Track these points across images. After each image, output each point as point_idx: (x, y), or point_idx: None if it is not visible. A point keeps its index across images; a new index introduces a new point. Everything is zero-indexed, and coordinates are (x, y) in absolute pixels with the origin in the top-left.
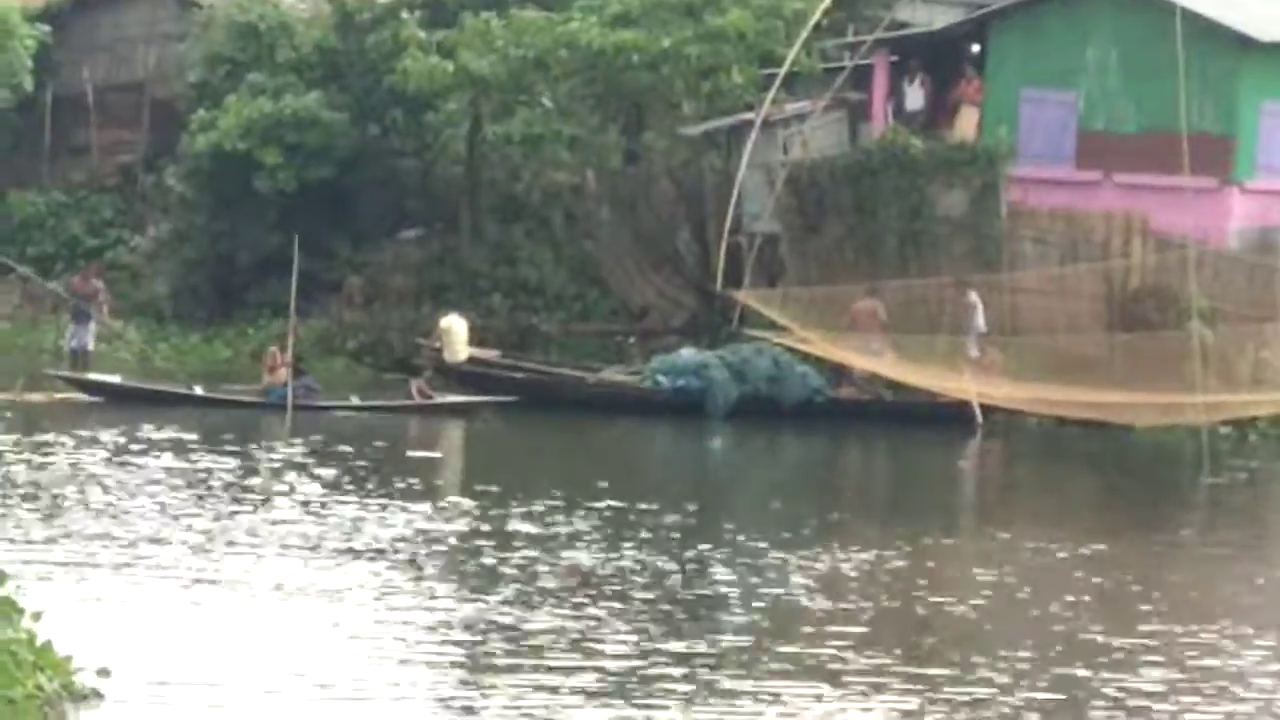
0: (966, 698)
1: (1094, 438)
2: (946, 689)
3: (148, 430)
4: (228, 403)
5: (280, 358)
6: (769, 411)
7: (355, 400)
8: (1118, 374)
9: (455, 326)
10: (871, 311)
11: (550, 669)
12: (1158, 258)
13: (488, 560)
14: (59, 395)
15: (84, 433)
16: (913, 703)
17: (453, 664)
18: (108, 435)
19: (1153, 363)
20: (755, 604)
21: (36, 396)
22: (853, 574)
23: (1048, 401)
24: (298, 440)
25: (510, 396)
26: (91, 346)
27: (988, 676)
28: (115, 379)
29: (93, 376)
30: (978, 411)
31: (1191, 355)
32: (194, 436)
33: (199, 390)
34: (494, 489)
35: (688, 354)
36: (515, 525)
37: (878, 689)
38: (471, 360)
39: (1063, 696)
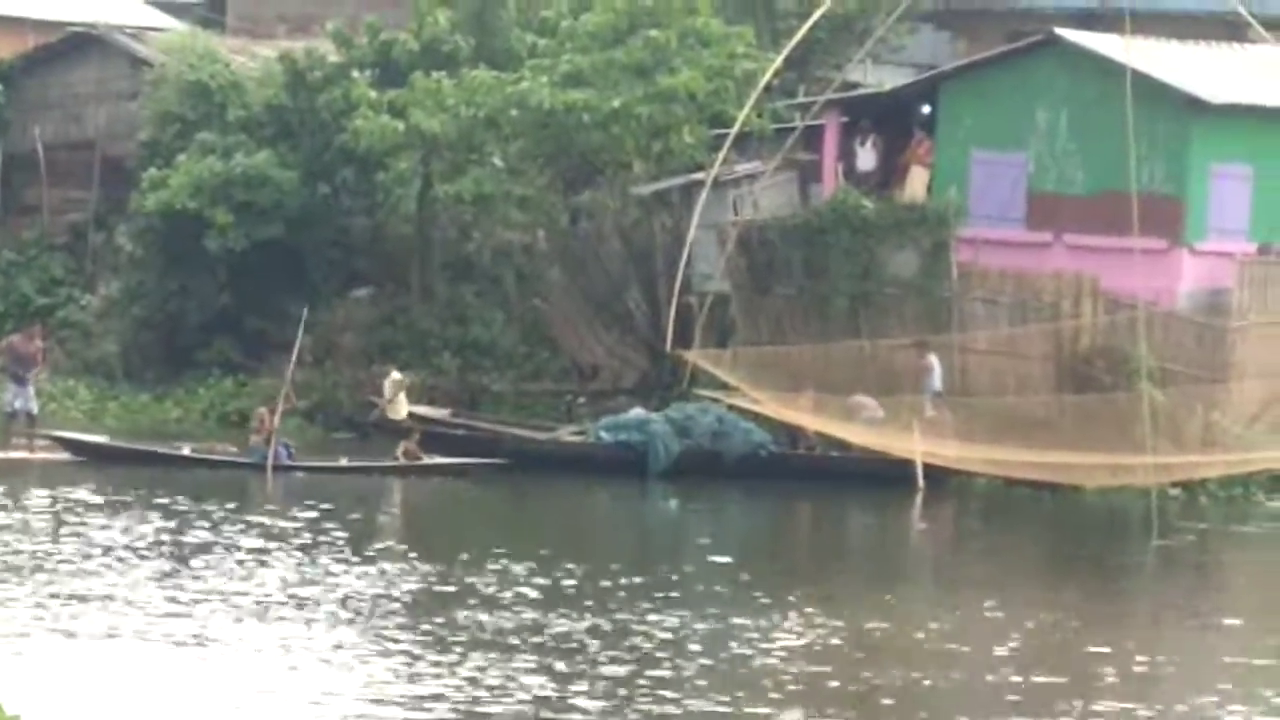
0: None
1: (1043, 498)
2: None
3: (125, 490)
4: (214, 463)
5: (269, 419)
6: (712, 468)
7: (344, 461)
8: (1067, 435)
9: (401, 382)
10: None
11: None
12: (1108, 319)
13: (436, 619)
14: (39, 454)
15: (54, 492)
16: None
17: None
18: (81, 494)
19: (1102, 424)
20: (701, 664)
21: (16, 454)
22: (799, 640)
23: (998, 462)
24: (274, 502)
25: (497, 459)
26: (35, 409)
27: None
28: (102, 439)
29: (79, 436)
30: (919, 472)
31: (1141, 416)
32: (170, 498)
33: (186, 450)
34: (439, 549)
35: (636, 414)
36: (461, 585)
37: None
38: (411, 417)
39: None
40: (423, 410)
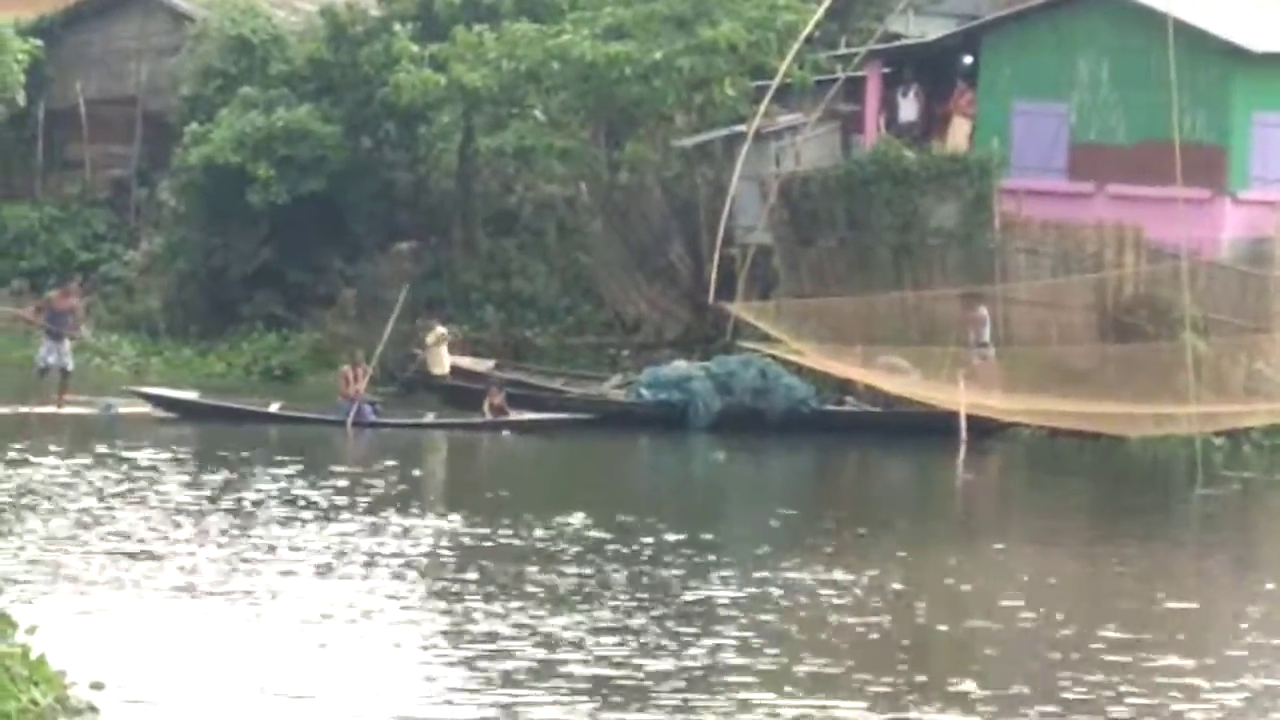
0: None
1: (1088, 449)
2: (955, 705)
3: (210, 446)
4: (303, 420)
5: (354, 375)
6: (754, 424)
7: (430, 417)
8: (1111, 385)
9: (443, 336)
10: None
11: (558, 677)
12: (1151, 269)
13: (496, 573)
14: (65, 409)
15: (139, 447)
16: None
17: (451, 684)
18: (164, 450)
19: (1146, 373)
20: (755, 617)
21: (43, 408)
22: (854, 589)
23: (1041, 413)
24: (356, 457)
25: (583, 414)
26: (70, 365)
27: (995, 691)
28: (191, 395)
29: (168, 392)
30: (963, 424)
31: (1185, 366)
32: (252, 454)
33: (274, 408)
34: (488, 502)
35: (678, 366)
36: (524, 540)
37: (883, 704)
38: (454, 372)
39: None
40: (465, 363)
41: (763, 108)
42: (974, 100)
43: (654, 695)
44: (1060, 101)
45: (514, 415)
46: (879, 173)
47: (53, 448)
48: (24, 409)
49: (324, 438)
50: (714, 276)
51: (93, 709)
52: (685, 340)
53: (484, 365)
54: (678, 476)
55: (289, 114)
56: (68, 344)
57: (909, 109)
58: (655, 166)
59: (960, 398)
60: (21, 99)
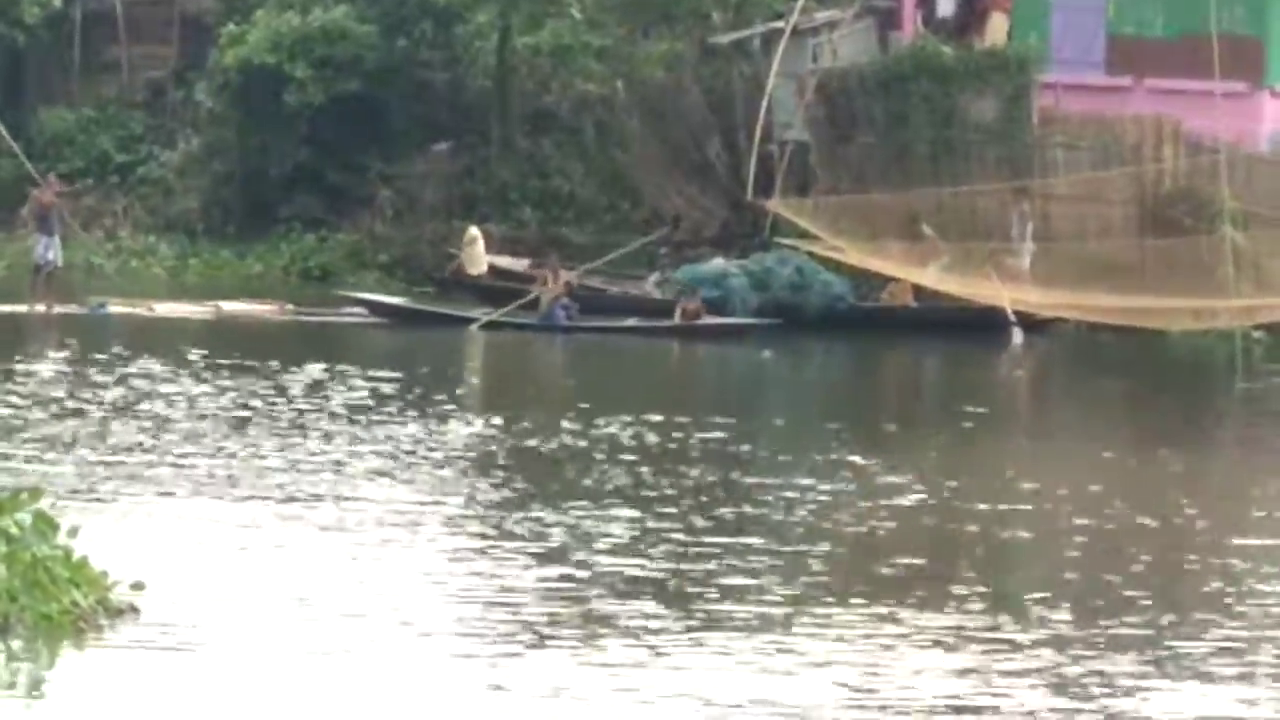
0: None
1: (1128, 343)
2: (1009, 604)
3: (411, 349)
4: (500, 325)
5: (550, 278)
6: (791, 320)
7: (631, 322)
8: (1150, 279)
9: (477, 237)
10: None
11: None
12: (1189, 162)
13: (544, 476)
14: (55, 309)
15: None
16: (983, 618)
17: (486, 596)
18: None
19: (1185, 267)
20: (811, 517)
21: (38, 306)
22: (907, 485)
23: (1081, 307)
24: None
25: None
26: (59, 261)
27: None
28: (399, 300)
29: (378, 298)
30: (1011, 317)
31: (1224, 259)
32: (438, 357)
33: (479, 314)
34: (506, 405)
35: (716, 264)
36: (528, 440)
37: (942, 602)
38: (491, 271)
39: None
40: (502, 261)
41: (800, 4)
42: None
43: (698, 599)
44: None
45: (706, 319)
46: (916, 69)
47: (174, 353)
48: (41, 307)
49: (518, 342)
50: (751, 174)
51: (134, 610)
52: (723, 237)
53: (521, 264)
54: (736, 376)
55: (325, 14)
56: (56, 239)
57: (946, 4)
58: (692, 64)
59: (1002, 292)
60: (58, 1)
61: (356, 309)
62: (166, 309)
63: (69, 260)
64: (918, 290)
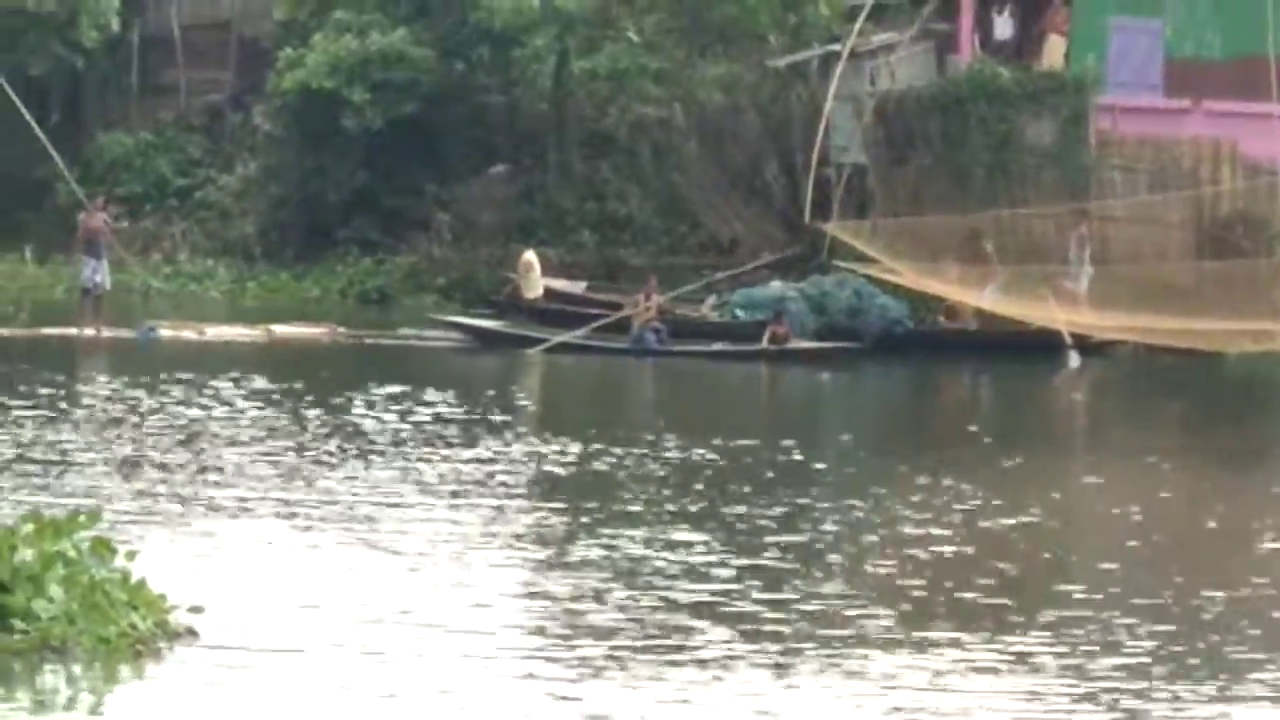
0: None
1: (1186, 365)
2: (1076, 628)
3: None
4: (590, 349)
5: (645, 300)
6: (849, 342)
7: (717, 346)
8: (1207, 301)
9: (533, 262)
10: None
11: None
12: (1247, 184)
13: (595, 496)
14: (105, 332)
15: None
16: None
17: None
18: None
19: (1243, 290)
20: (872, 539)
21: (87, 330)
22: (978, 509)
23: (1138, 329)
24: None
25: (850, 342)
26: (107, 284)
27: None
28: (493, 325)
29: (470, 321)
30: (1069, 340)
31: None
32: (529, 381)
33: (560, 337)
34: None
35: (775, 287)
36: (619, 459)
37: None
38: (548, 294)
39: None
40: (559, 284)
41: (858, 26)
42: (1069, 17)
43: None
44: (1155, 17)
45: (793, 344)
46: (974, 91)
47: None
48: (90, 330)
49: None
50: (809, 196)
51: (192, 632)
52: (780, 261)
53: (577, 287)
54: (812, 399)
55: (383, 38)
56: (104, 264)
57: (1004, 26)
58: (750, 87)
59: (1059, 314)
60: (116, 25)
61: (433, 331)
62: (216, 332)
63: (126, 284)
64: (979, 311)
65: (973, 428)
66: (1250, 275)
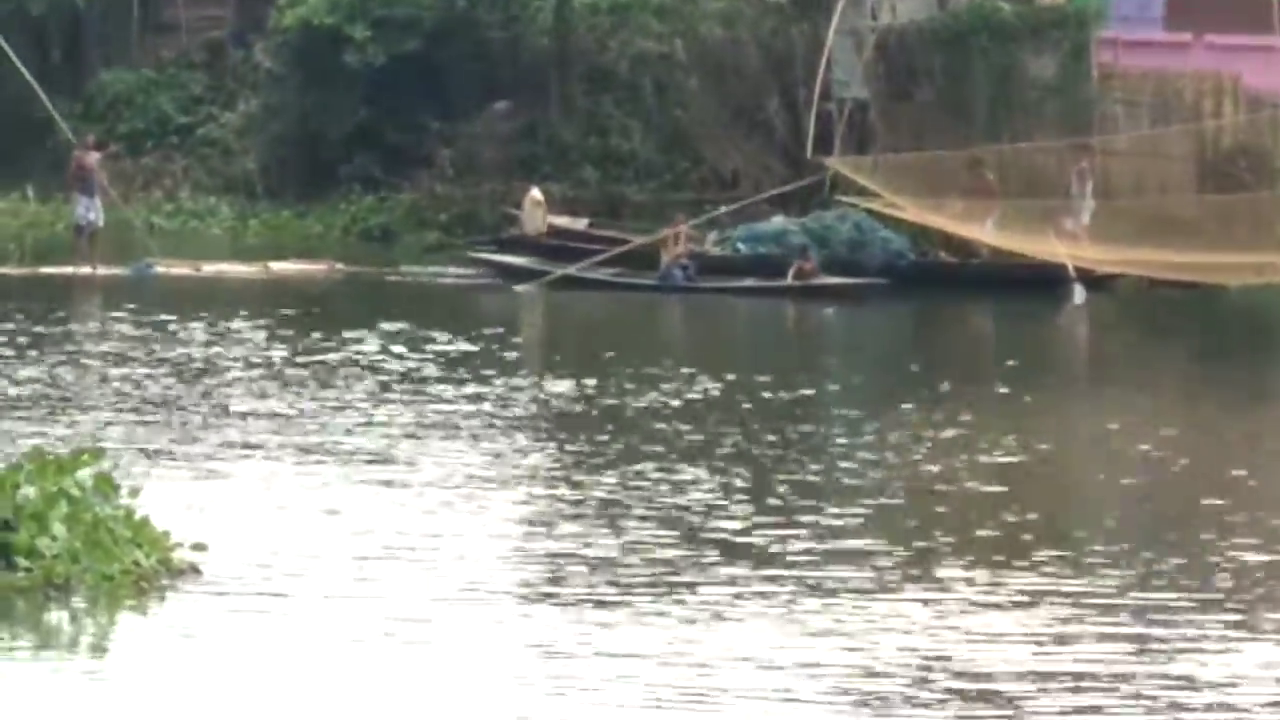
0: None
1: (1188, 299)
2: (1092, 563)
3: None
4: (625, 286)
5: (676, 237)
6: (851, 276)
7: (749, 282)
8: (1210, 235)
9: (539, 198)
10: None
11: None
12: (1249, 118)
13: (596, 433)
14: (99, 270)
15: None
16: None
17: (560, 554)
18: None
19: (1245, 223)
20: (883, 475)
21: (81, 269)
22: (992, 443)
23: (1141, 263)
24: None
25: (873, 279)
26: (100, 222)
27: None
28: (523, 260)
29: (502, 258)
30: (1073, 273)
31: None
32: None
33: (598, 275)
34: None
35: (777, 221)
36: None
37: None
38: (551, 231)
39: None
40: (562, 221)
41: None
42: None
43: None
44: None
45: (820, 279)
46: (975, 25)
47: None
48: (86, 268)
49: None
50: (811, 131)
51: (196, 570)
52: (782, 195)
53: (579, 224)
54: (826, 335)
55: None
56: (96, 201)
57: None
58: (751, 21)
59: (1060, 249)
60: None
61: (453, 268)
62: (214, 269)
63: (126, 220)
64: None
65: (983, 363)
66: (1252, 208)
